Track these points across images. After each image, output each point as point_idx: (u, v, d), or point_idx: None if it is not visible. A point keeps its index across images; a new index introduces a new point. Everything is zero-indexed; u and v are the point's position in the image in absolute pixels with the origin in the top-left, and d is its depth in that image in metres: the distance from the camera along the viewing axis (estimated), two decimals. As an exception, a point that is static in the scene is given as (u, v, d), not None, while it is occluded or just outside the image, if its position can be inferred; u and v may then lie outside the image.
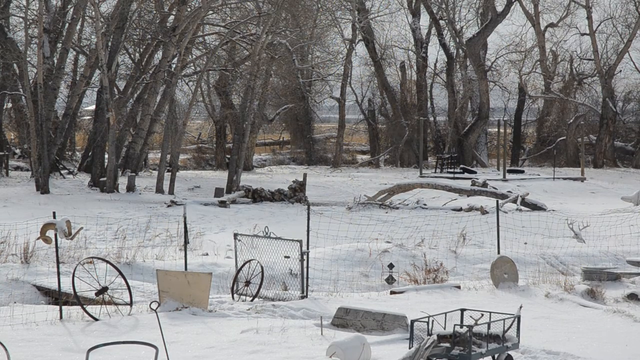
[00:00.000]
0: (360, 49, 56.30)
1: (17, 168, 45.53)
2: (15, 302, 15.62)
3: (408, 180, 37.03)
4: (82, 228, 17.41)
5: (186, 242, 16.90)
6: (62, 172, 41.66)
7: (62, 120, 38.98)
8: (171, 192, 35.68)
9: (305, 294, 15.98)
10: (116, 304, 14.47)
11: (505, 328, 11.27)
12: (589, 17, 53.42)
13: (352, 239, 21.58)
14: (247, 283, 16.01)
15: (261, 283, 15.99)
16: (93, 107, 43.64)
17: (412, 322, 11.24)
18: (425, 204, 31.44)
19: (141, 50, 41.28)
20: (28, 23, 37.48)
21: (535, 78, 58.32)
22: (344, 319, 13.74)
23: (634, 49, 56.07)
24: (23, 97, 41.01)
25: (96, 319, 13.74)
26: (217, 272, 18.05)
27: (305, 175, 34.02)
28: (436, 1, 54.33)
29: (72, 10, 38.29)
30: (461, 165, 46.16)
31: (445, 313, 11.63)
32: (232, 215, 28.00)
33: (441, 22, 54.67)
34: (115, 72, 36.68)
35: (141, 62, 40.36)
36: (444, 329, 11.34)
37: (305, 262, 15.93)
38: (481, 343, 10.94)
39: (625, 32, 54.89)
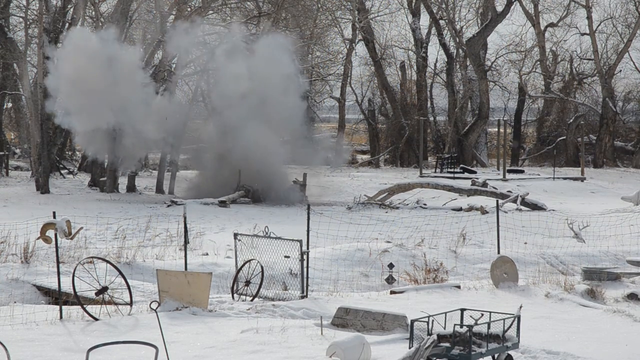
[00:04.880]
0: (360, 49, 56.43)
1: (17, 168, 45.62)
2: (15, 302, 15.63)
3: (408, 180, 37.04)
4: (82, 228, 17.41)
5: (186, 242, 16.91)
6: (62, 172, 41.69)
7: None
8: (171, 192, 35.70)
9: (305, 294, 15.98)
10: (116, 304, 14.47)
11: (505, 328, 11.27)
12: (589, 17, 53.44)
13: (352, 239, 21.58)
14: (247, 283, 16.01)
15: (261, 283, 15.99)
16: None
17: (412, 322, 11.24)
18: (425, 204, 31.45)
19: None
20: (28, 23, 37.49)
21: (535, 78, 58.39)
22: (344, 318, 13.74)
23: (634, 49, 56.19)
24: (23, 97, 41.04)
25: (96, 319, 13.75)
26: (217, 272, 18.05)
27: (305, 175, 34.02)
28: (436, 1, 54.34)
29: (72, 10, 38.31)
30: (461, 165, 46.17)
31: (445, 313, 11.63)
32: (232, 215, 28.01)
33: (441, 22, 54.69)
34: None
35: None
36: (444, 328, 11.34)
37: (305, 262, 15.93)
38: (481, 343, 10.94)
39: (625, 32, 54.92)
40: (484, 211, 28.73)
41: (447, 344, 10.82)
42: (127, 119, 32.28)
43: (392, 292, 16.78)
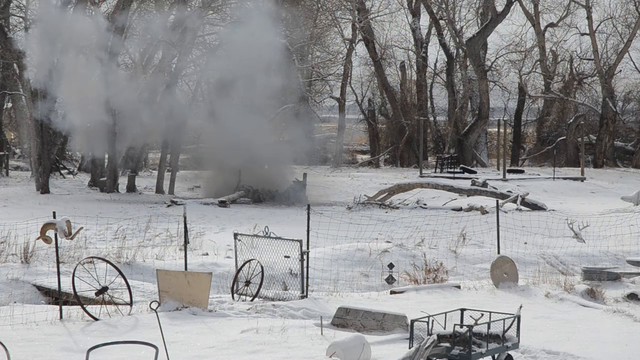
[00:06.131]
0: (360, 49, 56.41)
1: (17, 168, 45.63)
2: (15, 302, 15.62)
3: (408, 180, 37.04)
4: (82, 228, 17.40)
5: (186, 242, 16.91)
6: (62, 172, 41.71)
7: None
8: (171, 192, 35.71)
9: (305, 294, 15.98)
10: (116, 304, 14.47)
11: (505, 328, 11.27)
12: (589, 17, 53.43)
13: (352, 239, 21.57)
14: (247, 283, 16.01)
15: (261, 283, 15.99)
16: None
17: (412, 322, 11.24)
18: (425, 204, 31.46)
19: (141, 50, 41.26)
20: (28, 23, 37.44)
21: (535, 78, 58.40)
22: (344, 318, 13.74)
23: (634, 49, 56.17)
24: (23, 97, 41.03)
25: (96, 319, 13.75)
26: (217, 272, 18.05)
27: (305, 175, 34.04)
28: (436, 1, 54.35)
29: (72, 10, 38.26)
30: (461, 165, 46.16)
31: (445, 313, 11.63)
32: (232, 215, 28.02)
33: (441, 22, 54.70)
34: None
35: (141, 62, 40.35)
36: (444, 329, 11.35)
37: (305, 262, 15.93)
38: (481, 343, 10.94)
39: (625, 32, 54.91)
40: (484, 211, 28.73)
41: (447, 344, 10.82)
42: (120, 107, 32.40)
43: (392, 292, 16.79)
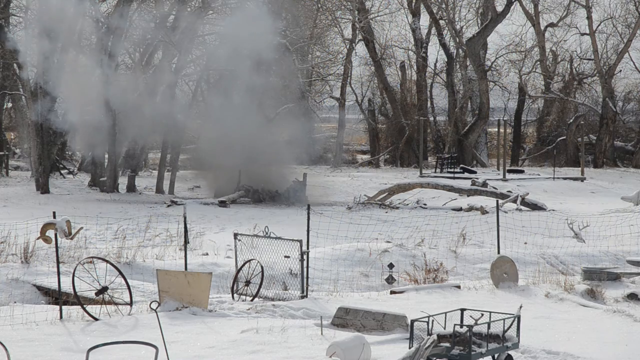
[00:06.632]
0: (360, 49, 56.42)
1: (17, 168, 45.63)
2: (15, 302, 15.63)
3: (408, 180, 37.04)
4: (82, 228, 17.40)
5: (186, 242, 16.90)
6: (62, 172, 41.71)
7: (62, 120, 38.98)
8: (171, 192, 35.71)
9: (305, 294, 15.98)
10: (116, 304, 14.47)
11: (505, 328, 11.27)
12: (589, 17, 53.44)
13: (352, 239, 21.57)
14: (247, 283, 16.01)
15: (261, 283, 15.99)
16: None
17: (412, 322, 11.24)
18: (425, 204, 31.45)
19: (141, 50, 41.25)
20: (28, 23, 37.40)
21: (535, 78, 58.41)
22: (344, 318, 13.74)
23: (634, 48, 56.18)
24: (23, 97, 41.03)
25: (96, 319, 13.75)
26: (217, 272, 18.06)
27: (305, 175, 34.03)
28: (436, 1, 54.34)
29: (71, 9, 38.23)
30: (461, 165, 46.16)
31: (445, 313, 11.63)
32: (232, 215, 28.01)
33: (441, 22, 54.70)
34: (115, 72, 36.68)
35: (141, 62, 40.33)
36: (444, 328, 11.35)
37: (305, 262, 15.93)
38: (481, 343, 10.94)
39: (625, 32, 54.92)
40: (484, 211, 28.73)
41: (447, 344, 10.82)
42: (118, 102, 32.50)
43: (392, 292, 16.79)
